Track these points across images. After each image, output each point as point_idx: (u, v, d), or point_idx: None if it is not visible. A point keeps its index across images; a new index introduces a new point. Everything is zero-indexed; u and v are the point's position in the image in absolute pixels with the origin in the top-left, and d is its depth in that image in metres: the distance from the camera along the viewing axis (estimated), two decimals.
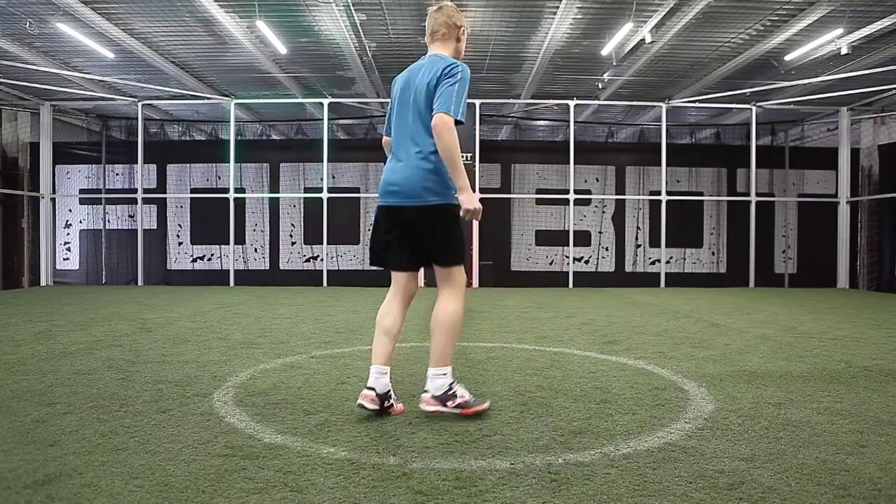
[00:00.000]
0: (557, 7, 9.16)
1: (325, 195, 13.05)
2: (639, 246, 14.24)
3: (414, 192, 3.04)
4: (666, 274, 13.53)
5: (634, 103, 13.63)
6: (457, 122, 2.92)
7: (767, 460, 2.47)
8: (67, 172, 14.34)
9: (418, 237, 3.08)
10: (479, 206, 2.95)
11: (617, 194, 14.03)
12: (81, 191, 14.28)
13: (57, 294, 10.63)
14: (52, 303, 8.89)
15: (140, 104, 13.32)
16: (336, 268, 13.74)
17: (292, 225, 14.12)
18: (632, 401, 3.42)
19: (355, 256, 13.97)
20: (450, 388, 3.03)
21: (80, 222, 14.36)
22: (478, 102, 12.81)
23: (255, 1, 8.89)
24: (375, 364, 3.06)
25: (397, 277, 3.22)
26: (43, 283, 13.39)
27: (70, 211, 14.35)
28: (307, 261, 14.04)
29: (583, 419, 3.05)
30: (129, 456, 2.48)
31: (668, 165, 13.30)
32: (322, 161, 13.07)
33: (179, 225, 14.25)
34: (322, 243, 13.27)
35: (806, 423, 2.98)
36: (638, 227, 14.18)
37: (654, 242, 13.79)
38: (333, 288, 12.52)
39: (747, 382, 3.87)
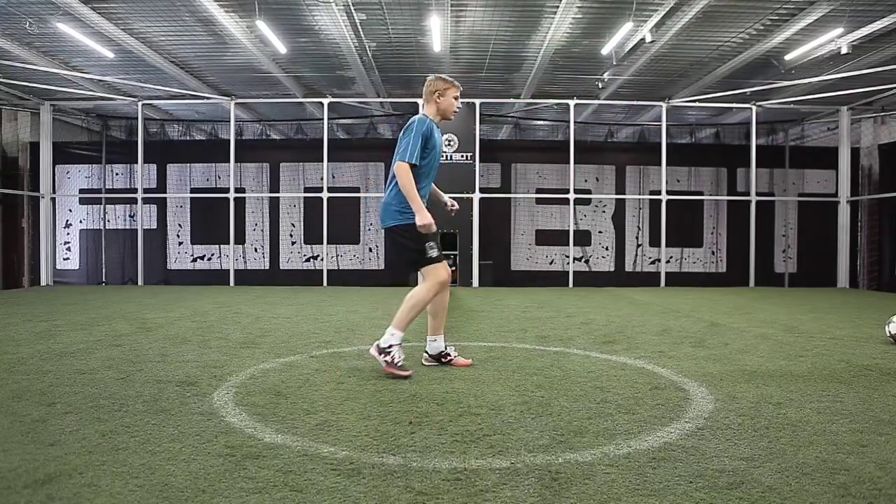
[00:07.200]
0: (557, 6, 9.16)
1: (325, 195, 13.04)
2: (639, 245, 14.24)
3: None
4: (666, 273, 13.51)
5: (634, 103, 13.63)
6: (412, 166, 3.90)
7: (768, 459, 2.47)
8: (68, 172, 14.35)
9: None
10: (429, 220, 3.89)
11: (617, 194, 14.02)
12: (81, 190, 14.30)
13: (57, 294, 10.63)
14: (52, 302, 8.89)
15: (140, 104, 13.32)
16: (336, 267, 13.75)
17: (292, 225, 14.13)
18: (632, 400, 3.42)
19: (355, 256, 13.98)
20: (389, 347, 3.89)
21: (80, 222, 14.37)
22: (478, 102, 12.77)
23: (255, 0, 8.89)
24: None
25: None
26: (43, 282, 13.40)
27: (70, 211, 14.36)
28: (307, 260, 14.05)
29: (583, 419, 3.05)
30: (130, 455, 2.48)
31: (668, 165, 13.27)
32: (322, 161, 13.06)
33: (179, 225, 14.26)
34: (322, 243, 13.26)
35: (806, 423, 2.98)
36: (638, 227, 14.17)
37: (654, 242, 13.78)
38: (333, 288, 12.53)
39: (747, 382, 3.87)
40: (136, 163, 13.47)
